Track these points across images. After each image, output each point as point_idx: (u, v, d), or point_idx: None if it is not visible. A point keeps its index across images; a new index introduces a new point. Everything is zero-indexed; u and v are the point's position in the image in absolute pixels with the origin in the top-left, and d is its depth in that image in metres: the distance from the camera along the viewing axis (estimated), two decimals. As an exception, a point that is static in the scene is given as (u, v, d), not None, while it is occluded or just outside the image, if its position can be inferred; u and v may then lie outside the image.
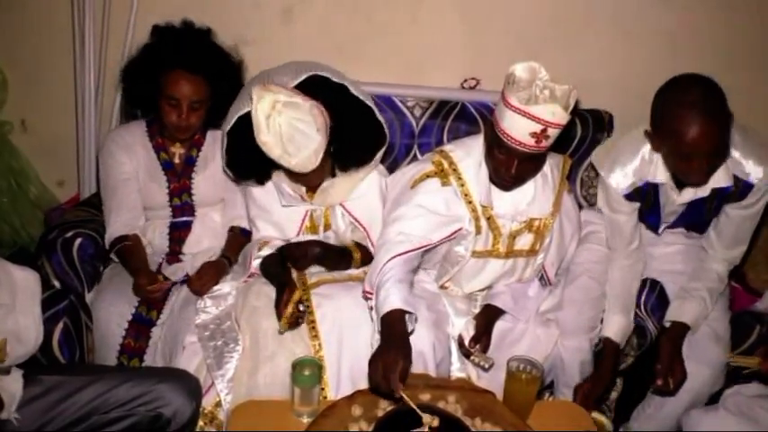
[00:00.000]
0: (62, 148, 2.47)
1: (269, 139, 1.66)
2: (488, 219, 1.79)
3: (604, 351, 1.88)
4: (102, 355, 1.83)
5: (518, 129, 1.58)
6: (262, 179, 1.90)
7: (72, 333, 1.67)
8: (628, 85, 2.43)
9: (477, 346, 1.75)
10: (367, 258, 1.90)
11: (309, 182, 1.87)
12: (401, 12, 2.38)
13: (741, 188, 1.77)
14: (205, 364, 1.71)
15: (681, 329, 1.84)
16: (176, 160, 2.02)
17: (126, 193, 1.95)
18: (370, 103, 1.84)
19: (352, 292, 1.79)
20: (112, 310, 1.83)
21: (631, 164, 1.84)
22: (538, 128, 1.56)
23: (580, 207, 2.14)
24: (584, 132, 2.32)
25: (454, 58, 2.43)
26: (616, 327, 1.88)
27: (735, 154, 1.75)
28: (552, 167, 1.84)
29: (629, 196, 1.86)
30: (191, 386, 1.57)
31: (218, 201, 2.07)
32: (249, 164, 1.84)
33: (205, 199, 2.04)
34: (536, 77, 1.60)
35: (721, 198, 1.81)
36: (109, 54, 2.32)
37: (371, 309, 1.64)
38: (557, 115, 1.55)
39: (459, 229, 1.78)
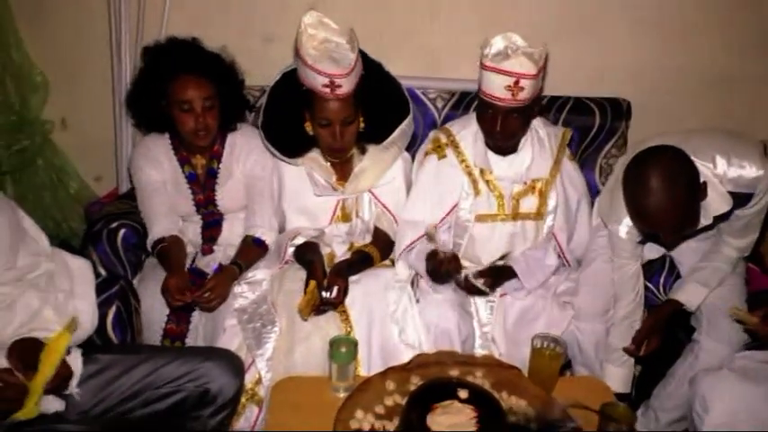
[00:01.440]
0: (100, 145, 2.57)
1: (310, 41, 1.81)
2: (488, 182, 1.94)
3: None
4: (147, 339, 1.94)
5: (495, 85, 1.78)
6: (296, 151, 1.98)
7: (123, 316, 1.78)
8: (643, 72, 2.50)
9: (481, 280, 1.88)
10: (387, 249, 2.00)
11: (341, 155, 1.96)
12: (419, 4, 2.45)
13: (743, 198, 1.76)
14: (245, 345, 1.82)
15: (672, 305, 1.92)
16: (199, 171, 2.06)
17: (159, 201, 2.01)
18: (398, 81, 2.00)
19: (379, 277, 1.90)
20: (155, 297, 1.90)
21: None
22: (510, 80, 1.75)
23: (598, 192, 2.22)
24: (603, 120, 2.39)
25: (472, 50, 2.49)
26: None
27: (728, 171, 1.71)
28: (550, 135, 1.99)
29: (628, 235, 1.87)
30: (234, 364, 1.67)
31: (242, 207, 2.10)
32: (286, 133, 1.94)
33: (230, 207, 2.10)
34: (509, 43, 1.78)
35: (727, 214, 1.80)
36: (144, 55, 2.42)
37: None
38: (524, 66, 1.74)
39: (456, 204, 1.94)
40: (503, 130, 1.84)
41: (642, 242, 1.93)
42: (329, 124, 1.87)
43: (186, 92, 1.89)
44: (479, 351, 1.90)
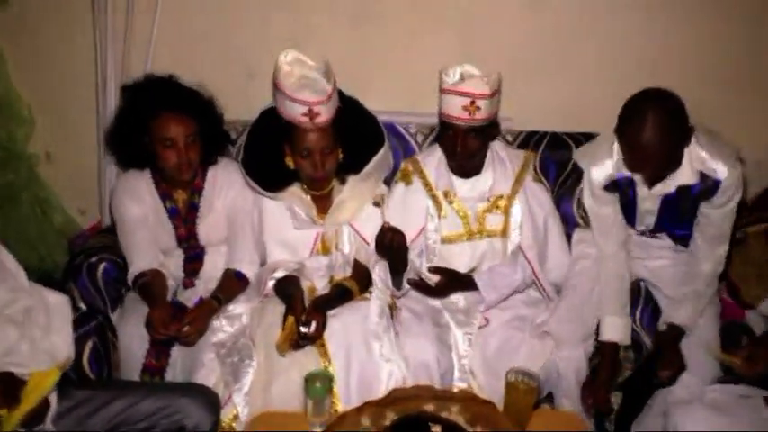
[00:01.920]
0: (84, 179, 2.60)
1: (288, 78, 1.90)
2: (451, 203, 2.06)
3: (602, 352, 1.99)
4: (125, 374, 1.94)
5: (453, 106, 1.92)
6: (277, 186, 2.02)
7: (100, 351, 1.79)
8: (616, 107, 2.56)
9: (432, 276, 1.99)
10: (366, 282, 2.02)
11: (322, 186, 2.03)
12: (400, 42, 2.52)
13: (711, 186, 1.88)
14: (222, 380, 1.82)
15: (676, 330, 1.96)
16: (180, 205, 2.09)
17: (141, 236, 2.03)
18: (372, 114, 2.11)
19: (357, 311, 1.91)
20: (134, 331, 1.92)
21: (609, 158, 1.98)
22: (467, 101, 1.90)
23: (576, 225, 2.26)
24: (580, 155, 2.44)
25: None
26: (612, 329, 1.99)
27: (702, 153, 1.86)
28: (511, 157, 2.12)
29: (608, 188, 2.01)
30: (210, 400, 1.67)
31: (223, 240, 2.12)
32: (267, 168, 2.00)
33: (211, 241, 2.12)
34: (465, 70, 1.95)
35: (693, 197, 1.92)
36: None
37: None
38: (479, 87, 1.89)
39: (423, 227, 2.05)
40: (462, 149, 1.96)
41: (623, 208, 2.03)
42: (309, 154, 1.93)
43: (169, 129, 1.92)
44: (458, 384, 1.91)
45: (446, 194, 2.08)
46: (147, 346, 1.93)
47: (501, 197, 2.07)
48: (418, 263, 2.05)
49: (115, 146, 2.05)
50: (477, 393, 1.78)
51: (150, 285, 1.96)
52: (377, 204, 1.97)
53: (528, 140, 2.46)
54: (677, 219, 2.01)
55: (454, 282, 2.04)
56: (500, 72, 1.96)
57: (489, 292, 2.00)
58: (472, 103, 1.89)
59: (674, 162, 1.86)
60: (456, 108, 1.92)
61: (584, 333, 1.98)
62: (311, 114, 1.87)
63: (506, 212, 2.07)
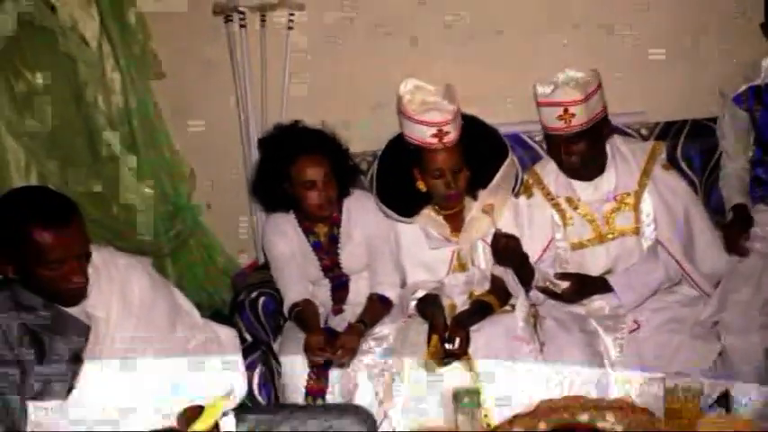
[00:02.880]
0: (240, 223, 2.85)
1: (410, 105, 1.99)
2: (576, 209, 2.00)
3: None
4: (290, 398, 2.09)
5: (548, 117, 1.94)
6: (409, 212, 2.11)
7: (267, 378, 1.95)
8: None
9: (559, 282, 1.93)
10: (505, 295, 2.02)
11: (455, 205, 2.07)
12: (514, 51, 2.53)
13: None
14: (377, 399, 1.91)
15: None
16: (322, 239, 2.21)
17: (291, 270, 2.19)
18: (494, 128, 2.15)
19: (499, 323, 1.93)
20: (295, 358, 2.05)
21: (752, 72, 2.03)
22: (560, 110, 1.90)
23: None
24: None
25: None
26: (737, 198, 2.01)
27: None
28: (635, 151, 2.04)
29: (740, 99, 2.03)
30: (367, 418, 1.75)
31: (365, 266, 2.23)
32: (399, 195, 2.09)
33: (354, 268, 2.24)
34: (560, 77, 1.97)
35: None
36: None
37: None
38: (569, 94, 1.89)
39: (552, 239, 2.01)
40: (568, 155, 1.96)
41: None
42: (442, 174, 1.99)
43: (308, 172, 2.06)
44: (614, 393, 1.84)
45: (569, 201, 2.05)
46: (308, 371, 2.07)
47: (628, 194, 2.00)
48: (550, 272, 2.01)
49: (260, 194, 2.25)
50: (636, 402, 1.70)
51: (304, 314, 2.10)
52: (485, 212, 1.99)
53: (666, 131, 2.36)
54: None
55: (584, 285, 1.98)
56: (596, 69, 1.93)
57: (626, 293, 1.93)
58: (565, 111, 1.89)
59: None
60: (551, 119, 1.93)
61: (762, 321, 1.81)
62: (440, 134, 1.94)
63: (636, 209, 2.00)
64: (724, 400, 1.84)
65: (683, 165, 2.31)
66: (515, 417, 1.62)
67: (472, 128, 2.06)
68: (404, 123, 2.03)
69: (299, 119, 2.21)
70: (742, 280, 1.91)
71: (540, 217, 2.07)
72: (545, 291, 1.99)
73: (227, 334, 1.82)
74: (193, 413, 1.58)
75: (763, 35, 1.95)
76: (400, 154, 2.08)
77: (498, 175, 2.05)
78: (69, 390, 1.53)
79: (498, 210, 2.08)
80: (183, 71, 2.72)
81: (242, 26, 2.59)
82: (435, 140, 1.95)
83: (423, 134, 1.96)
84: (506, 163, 2.07)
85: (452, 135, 1.96)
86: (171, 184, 2.85)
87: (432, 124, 1.94)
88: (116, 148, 2.70)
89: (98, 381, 1.54)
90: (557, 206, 2.07)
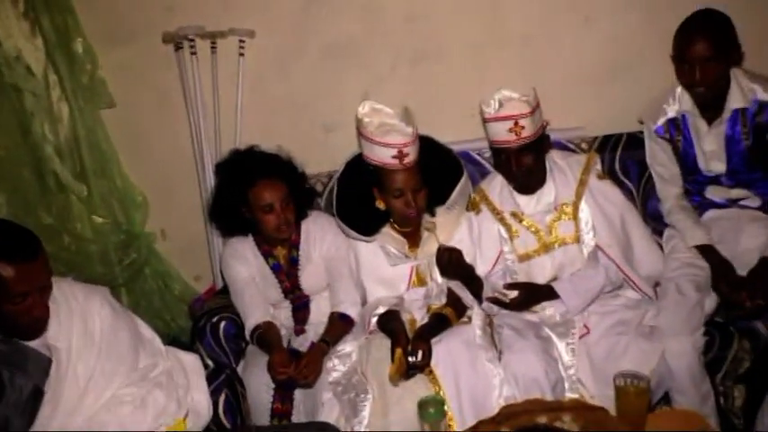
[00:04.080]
0: (196, 249, 2.85)
1: (370, 126, 2.04)
2: (521, 221, 2.11)
3: (704, 255, 2.08)
4: (256, 420, 2.09)
5: (498, 132, 2.02)
6: (369, 232, 2.16)
7: (232, 402, 1.95)
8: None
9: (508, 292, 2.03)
10: (461, 308, 2.10)
11: (414, 223, 2.12)
12: (461, 72, 2.63)
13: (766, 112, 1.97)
14: (342, 416, 1.94)
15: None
16: (282, 261, 2.24)
17: (251, 294, 2.20)
18: (448, 147, 2.23)
19: (459, 335, 2.00)
20: (260, 380, 2.06)
21: (668, 105, 2.18)
22: (510, 123, 1.99)
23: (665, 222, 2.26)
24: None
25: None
26: (696, 237, 2.11)
27: (749, 83, 2.06)
28: (571, 163, 2.15)
29: (662, 130, 2.19)
30: (333, 434, 1.79)
31: (325, 286, 2.26)
32: (359, 214, 2.14)
33: (314, 289, 2.27)
34: (502, 96, 2.05)
35: (754, 127, 2.01)
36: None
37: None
38: (518, 108, 1.99)
39: (501, 252, 2.11)
40: (518, 168, 2.05)
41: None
42: (402, 194, 2.05)
43: (266, 196, 2.09)
44: (569, 395, 1.93)
45: (514, 215, 2.14)
46: (273, 392, 2.08)
47: (567, 204, 2.11)
48: (501, 283, 2.10)
49: (218, 218, 2.26)
50: (589, 402, 1.79)
51: (266, 335, 2.11)
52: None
53: (605, 144, 2.48)
54: (748, 161, 2.05)
55: (532, 294, 2.08)
56: (535, 88, 2.04)
57: (571, 299, 2.02)
58: (516, 123, 1.99)
59: (725, 72, 2.03)
60: (502, 133, 2.01)
61: (692, 326, 1.94)
62: (400, 156, 2.00)
63: (575, 217, 2.10)
64: (667, 399, 1.97)
65: (621, 175, 2.44)
66: (479, 423, 1.67)
67: (428, 148, 2.13)
68: (364, 145, 2.09)
69: (254, 143, 2.25)
70: (671, 285, 2.04)
71: (489, 232, 2.16)
72: (495, 301, 2.07)
73: (191, 360, 1.84)
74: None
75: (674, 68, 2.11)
76: (359, 174, 2.14)
77: (455, 193, 2.13)
78: (29, 424, 1.50)
79: (450, 225, 2.16)
80: (135, 99, 2.73)
81: (193, 53, 2.62)
82: (396, 162, 2.02)
83: (383, 155, 2.02)
84: (462, 180, 2.15)
85: (412, 156, 2.03)
86: (123, 212, 2.82)
87: (392, 146, 2.00)
88: (65, 178, 2.67)
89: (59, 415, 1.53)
90: (502, 220, 2.16)
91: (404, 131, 2.02)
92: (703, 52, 1.98)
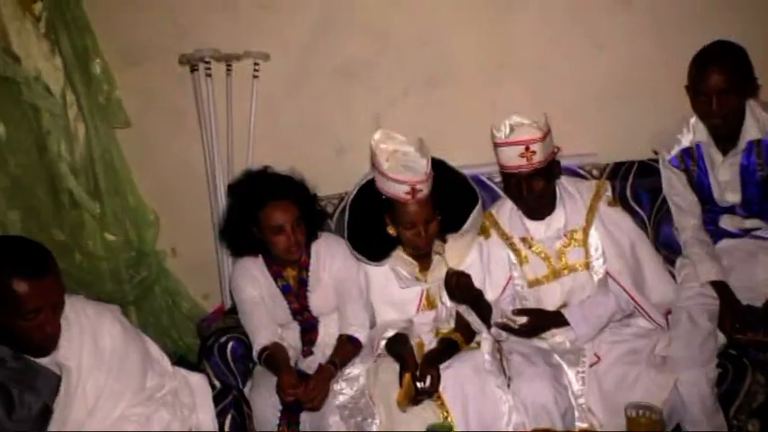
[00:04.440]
0: (206, 268, 2.86)
1: (383, 154, 2.05)
2: (531, 247, 2.10)
3: (717, 292, 2.04)
4: (262, 441, 2.10)
5: (509, 157, 2.03)
6: (380, 256, 2.16)
7: (239, 423, 1.94)
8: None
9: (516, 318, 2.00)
10: (470, 333, 2.09)
11: (425, 245, 2.10)
12: (474, 96, 2.66)
13: None
14: (349, 440, 1.93)
15: None
16: (291, 282, 2.23)
17: (259, 315, 2.20)
18: (462, 173, 2.21)
19: (467, 360, 1.99)
20: (266, 402, 2.05)
21: (682, 135, 2.18)
22: (521, 149, 2.00)
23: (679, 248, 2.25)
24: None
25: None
26: (711, 273, 2.07)
27: (765, 114, 2.06)
28: (581, 190, 2.15)
29: (675, 161, 2.19)
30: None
31: (334, 308, 2.26)
32: (370, 239, 2.13)
33: (323, 310, 2.27)
34: (513, 122, 2.07)
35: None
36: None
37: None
38: (530, 133, 2.01)
39: (510, 278, 2.10)
40: (529, 193, 2.05)
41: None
42: (414, 226, 2.05)
43: (277, 217, 2.09)
44: (579, 424, 1.90)
45: (524, 240, 2.14)
46: (279, 414, 2.06)
47: (576, 231, 2.11)
48: (510, 309, 2.08)
49: (228, 238, 2.27)
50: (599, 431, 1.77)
51: (274, 356, 2.10)
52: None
53: (616, 172, 2.48)
54: (763, 192, 2.04)
55: (541, 320, 2.06)
56: (546, 113, 2.05)
57: (581, 326, 2.00)
58: (527, 149, 1.99)
59: (740, 103, 2.04)
60: (513, 158, 2.01)
61: (705, 357, 1.92)
62: (413, 192, 2.00)
63: (585, 244, 2.09)
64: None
65: (633, 203, 2.44)
66: (487, 451, 1.65)
67: (441, 174, 2.11)
68: (378, 177, 2.09)
69: (266, 164, 2.26)
70: (683, 314, 2.02)
71: (498, 257, 2.16)
72: (504, 327, 2.05)
73: (197, 381, 1.83)
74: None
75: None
76: (371, 200, 2.14)
77: (469, 221, 2.12)
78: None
79: (462, 249, 2.15)
80: (150, 119, 2.77)
81: (208, 75, 2.66)
82: (409, 197, 2.02)
83: (396, 190, 2.02)
84: (476, 209, 2.14)
85: (425, 191, 2.03)
86: (135, 230, 2.84)
87: (406, 183, 2.00)
88: (80, 195, 2.70)
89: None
90: (512, 246, 2.15)
91: (418, 169, 2.01)
92: (719, 84, 1.98)
